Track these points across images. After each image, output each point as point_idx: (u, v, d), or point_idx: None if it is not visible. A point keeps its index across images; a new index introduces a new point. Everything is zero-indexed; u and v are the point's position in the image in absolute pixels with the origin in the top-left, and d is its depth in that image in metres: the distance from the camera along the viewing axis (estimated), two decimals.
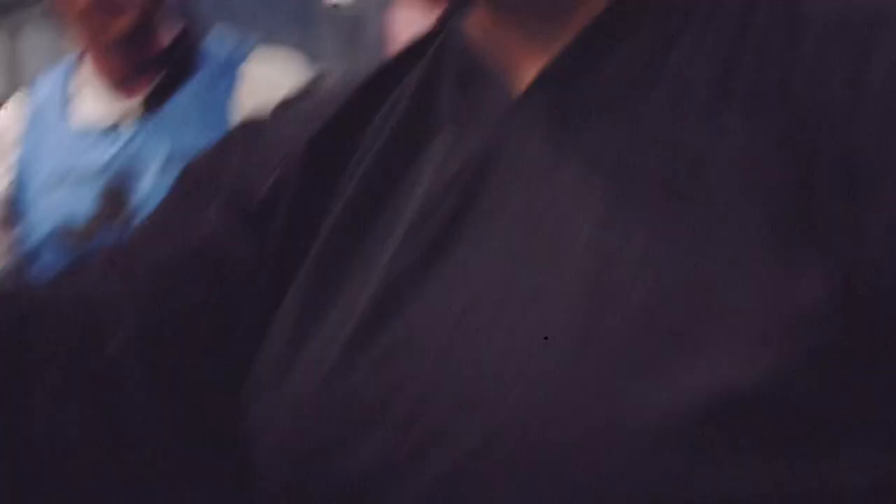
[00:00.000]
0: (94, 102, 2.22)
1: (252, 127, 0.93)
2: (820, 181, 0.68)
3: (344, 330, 0.78)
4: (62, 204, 2.17)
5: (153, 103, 2.18)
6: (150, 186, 2.11)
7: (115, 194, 2.15)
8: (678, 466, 0.65)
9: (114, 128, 2.19)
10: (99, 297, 0.85)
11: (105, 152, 2.17)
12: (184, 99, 2.20)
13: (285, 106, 0.93)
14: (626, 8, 0.78)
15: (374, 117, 0.86)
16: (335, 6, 8.06)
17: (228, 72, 2.21)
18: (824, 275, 0.66)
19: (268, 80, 2.18)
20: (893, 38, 0.70)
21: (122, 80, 2.20)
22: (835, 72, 0.70)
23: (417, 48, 0.89)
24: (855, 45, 0.70)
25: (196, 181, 0.91)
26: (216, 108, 2.17)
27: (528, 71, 0.80)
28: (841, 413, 0.65)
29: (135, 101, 2.18)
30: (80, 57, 2.25)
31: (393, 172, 0.83)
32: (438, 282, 0.76)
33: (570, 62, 0.78)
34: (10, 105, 2.31)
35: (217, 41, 2.27)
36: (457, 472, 0.70)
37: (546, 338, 0.69)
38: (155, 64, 2.21)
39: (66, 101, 2.25)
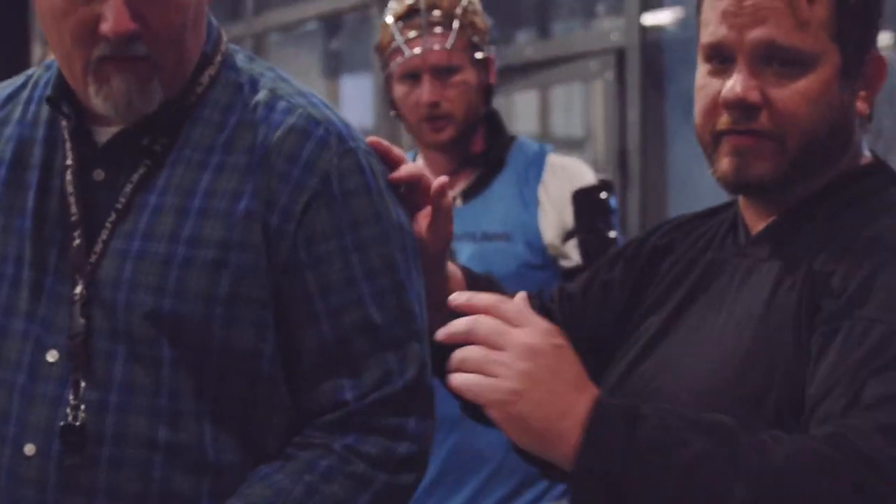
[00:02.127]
0: None
1: (654, 229, 1.76)
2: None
3: (637, 347, 1.61)
4: None
5: (470, 194, 2.81)
6: (468, 255, 2.75)
7: None
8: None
9: None
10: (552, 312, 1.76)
11: None
12: (503, 182, 2.85)
13: (673, 218, 1.76)
14: (813, 201, 1.52)
15: (692, 237, 1.67)
16: None
17: (537, 162, 2.87)
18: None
19: (567, 168, 2.88)
20: (880, 267, 1.39)
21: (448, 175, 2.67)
22: (850, 278, 1.40)
23: (724, 208, 1.68)
24: (865, 265, 1.41)
25: (614, 254, 1.77)
26: (529, 187, 2.84)
27: (759, 225, 1.56)
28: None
29: (456, 192, 2.75)
30: (415, 155, 2.94)
31: (691, 267, 1.63)
32: (679, 331, 1.57)
33: (775, 226, 1.54)
34: None
35: (521, 144, 2.92)
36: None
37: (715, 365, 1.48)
38: (472, 163, 2.85)
39: None
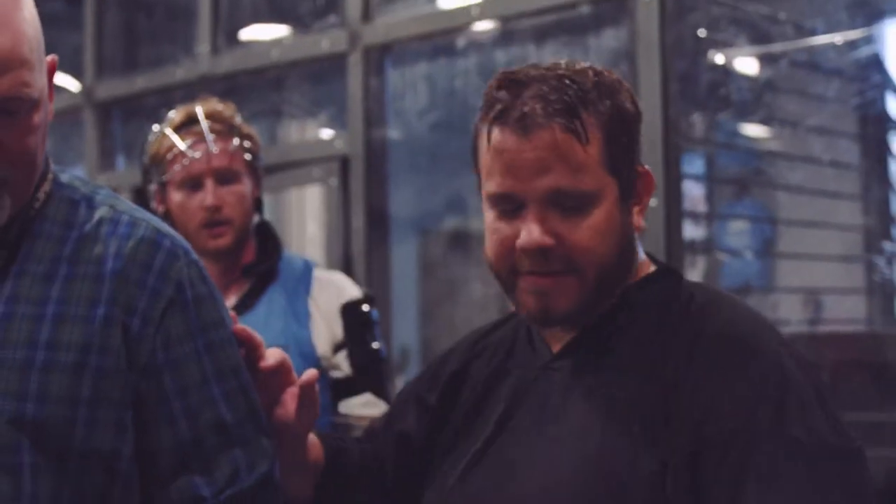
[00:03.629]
0: None
1: (441, 355, 1.85)
2: (664, 419, 1.52)
3: (457, 468, 1.68)
4: None
5: (244, 306, 2.78)
6: None
7: None
8: None
9: None
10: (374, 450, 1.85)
11: None
12: (276, 295, 2.84)
13: (464, 339, 1.87)
14: (610, 314, 1.64)
15: (485, 355, 1.78)
16: None
17: (305, 275, 2.90)
18: (654, 463, 1.49)
19: (333, 282, 2.95)
20: (708, 360, 1.54)
21: (220, 288, 2.66)
22: (681, 372, 1.53)
23: (510, 318, 1.80)
24: (694, 358, 1.54)
25: (407, 390, 1.87)
26: (300, 301, 2.87)
27: (562, 341, 1.66)
28: None
29: (229, 304, 2.68)
30: None
31: (490, 389, 1.72)
32: (508, 441, 1.64)
33: (577, 345, 1.65)
34: None
35: (288, 257, 2.94)
36: None
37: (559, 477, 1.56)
38: (247, 274, 2.86)
39: None
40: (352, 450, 1.87)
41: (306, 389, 1.73)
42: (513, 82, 1.58)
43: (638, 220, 1.64)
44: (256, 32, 5.55)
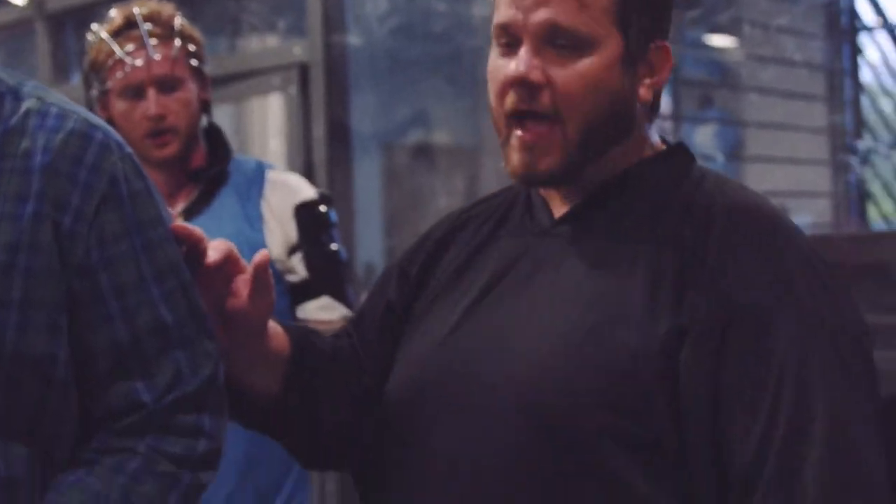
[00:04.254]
0: None
1: (427, 232, 1.80)
2: (679, 286, 1.48)
3: (441, 327, 1.64)
4: None
5: (193, 211, 2.72)
6: None
7: None
8: (608, 389, 1.47)
9: None
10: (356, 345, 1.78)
11: None
12: (227, 198, 2.79)
13: (443, 218, 1.81)
14: (617, 184, 1.60)
15: (473, 223, 1.73)
16: None
17: (257, 178, 2.85)
18: (666, 328, 1.47)
19: (287, 183, 2.89)
20: (730, 230, 1.50)
21: (166, 194, 2.69)
22: (699, 241, 1.50)
23: (508, 189, 1.74)
24: (712, 228, 1.51)
25: (389, 266, 1.82)
26: (252, 203, 2.82)
27: (563, 208, 1.63)
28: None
29: (177, 210, 2.68)
30: None
31: (479, 252, 1.69)
32: (495, 305, 1.61)
33: (581, 210, 1.61)
34: None
35: (240, 160, 2.89)
36: (485, 406, 1.54)
37: (548, 332, 1.53)
38: (195, 179, 2.79)
39: None
40: (322, 339, 1.78)
41: (259, 273, 1.64)
42: None
43: (646, 93, 1.59)
44: None
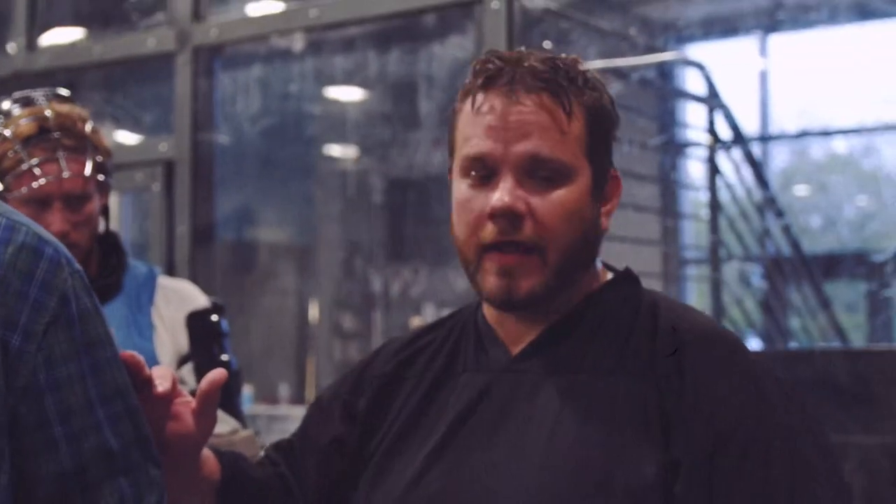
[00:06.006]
0: None
1: (361, 363, 1.76)
2: (664, 419, 1.48)
3: (407, 472, 1.58)
4: None
5: None
6: None
7: None
8: None
9: None
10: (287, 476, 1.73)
11: None
12: (118, 307, 2.70)
13: (382, 347, 1.76)
14: (576, 314, 1.59)
15: (423, 358, 1.69)
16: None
17: (149, 285, 2.77)
18: (659, 463, 1.45)
19: (178, 291, 2.80)
20: (700, 356, 1.51)
21: None
22: (672, 370, 1.50)
23: (451, 320, 1.71)
24: (683, 356, 1.51)
25: (327, 397, 1.77)
26: (143, 312, 2.74)
27: (519, 342, 1.60)
28: None
29: None
30: None
31: (436, 391, 1.64)
32: (461, 450, 1.56)
33: (541, 344, 1.59)
34: None
35: (132, 265, 2.79)
36: None
37: (523, 480, 1.49)
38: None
39: None
40: (251, 465, 1.74)
41: (213, 391, 1.60)
42: (503, 57, 1.58)
43: (605, 221, 1.62)
44: (75, 32, 5.32)
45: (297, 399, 10.40)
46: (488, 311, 1.65)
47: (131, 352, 1.59)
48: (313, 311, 10.85)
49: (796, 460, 1.46)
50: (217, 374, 1.60)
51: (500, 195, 1.52)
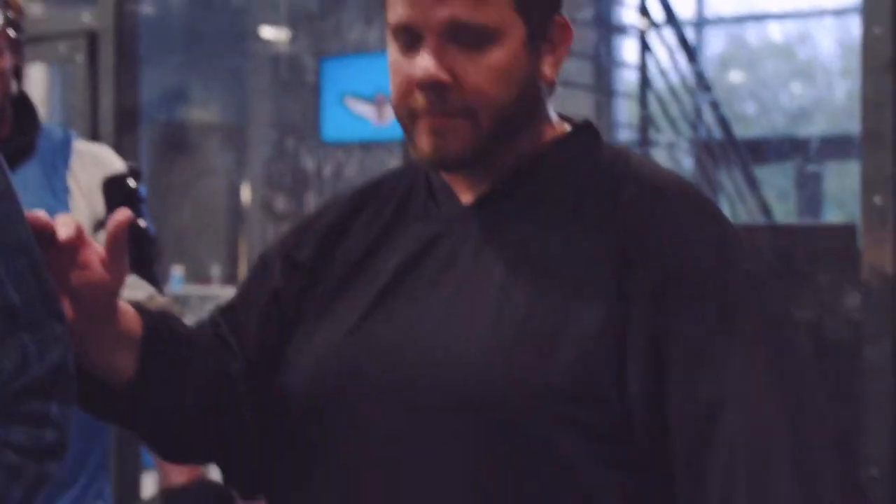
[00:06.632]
0: None
1: (308, 216, 1.72)
2: (623, 267, 1.44)
3: (349, 316, 1.56)
4: None
5: None
6: None
7: None
8: (541, 401, 1.41)
9: None
10: (226, 336, 1.66)
11: None
12: (31, 169, 2.66)
13: (331, 199, 1.73)
14: (530, 166, 1.56)
15: (371, 208, 1.66)
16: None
17: (64, 149, 2.73)
18: (607, 313, 1.43)
19: (95, 155, 2.77)
20: (670, 203, 1.48)
21: None
22: (635, 222, 1.47)
23: (401, 172, 1.69)
24: (646, 208, 1.48)
25: (270, 254, 1.70)
26: (58, 175, 2.71)
27: (471, 193, 1.57)
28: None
29: None
30: None
31: (383, 238, 1.62)
32: (407, 296, 1.54)
33: (494, 194, 1.56)
34: None
35: (47, 129, 2.75)
36: (410, 401, 1.48)
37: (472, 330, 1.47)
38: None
39: None
40: (178, 321, 1.67)
41: (119, 232, 1.54)
42: None
43: (549, 70, 1.57)
44: None
45: (230, 280, 10.38)
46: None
47: (33, 211, 1.53)
48: (245, 193, 10.79)
49: (764, 309, 1.44)
50: (121, 214, 1.53)
51: (424, 66, 1.49)
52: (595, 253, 1.48)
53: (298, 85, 9.68)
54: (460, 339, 1.49)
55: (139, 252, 2.78)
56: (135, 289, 2.75)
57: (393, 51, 1.54)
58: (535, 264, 1.51)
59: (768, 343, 1.43)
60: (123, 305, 1.59)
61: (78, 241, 1.53)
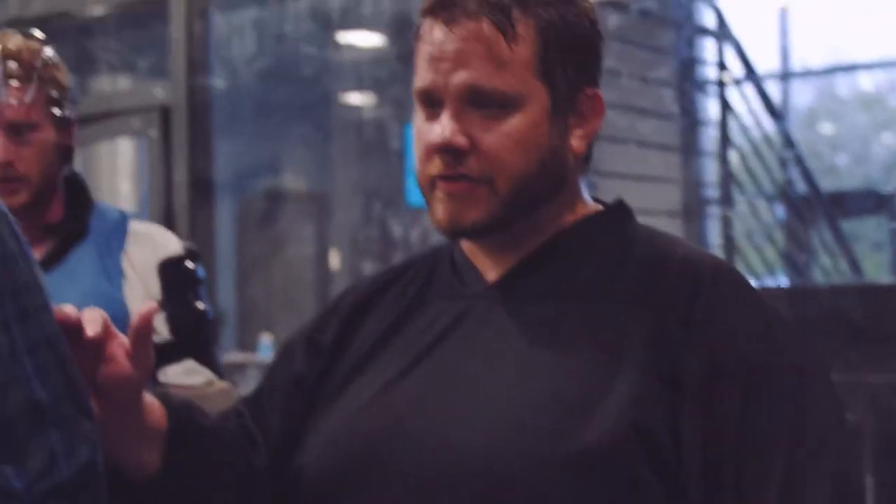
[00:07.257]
0: None
1: (334, 299, 1.69)
2: (663, 343, 1.41)
3: (366, 395, 1.51)
4: None
5: (47, 266, 2.52)
6: None
7: None
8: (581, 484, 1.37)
9: None
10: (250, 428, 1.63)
11: None
12: (85, 252, 2.60)
13: (355, 282, 1.70)
14: (555, 244, 1.53)
15: (395, 287, 1.62)
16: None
17: (119, 229, 2.65)
18: (645, 386, 1.40)
19: (151, 236, 2.69)
20: (708, 289, 1.44)
21: None
22: (675, 302, 1.44)
23: (430, 253, 1.67)
24: (687, 286, 1.45)
25: (292, 338, 1.68)
26: (112, 258, 2.64)
27: (496, 271, 1.53)
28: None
29: None
30: None
31: (405, 318, 1.58)
32: (425, 376, 1.50)
33: (521, 271, 1.52)
34: None
35: (102, 209, 2.68)
36: (430, 480, 1.42)
37: (495, 406, 1.43)
38: (49, 232, 2.58)
39: None
40: (203, 413, 1.66)
41: (144, 326, 1.51)
42: None
43: (578, 143, 1.53)
44: None
45: None
46: (465, 243, 1.59)
47: (58, 306, 1.50)
48: (333, 259, 10.84)
49: (805, 396, 1.42)
50: (147, 308, 1.51)
51: (440, 130, 1.48)
52: (628, 328, 1.45)
53: (383, 150, 9.73)
54: (476, 420, 1.46)
55: (198, 336, 2.74)
56: (193, 374, 2.71)
57: (417, 118, 1.53)
58: (560, 342, 1.48)
59: (826, 460, 1.41)
60: (148, 398, 1.57)
61: (105, 335, 1.51)
